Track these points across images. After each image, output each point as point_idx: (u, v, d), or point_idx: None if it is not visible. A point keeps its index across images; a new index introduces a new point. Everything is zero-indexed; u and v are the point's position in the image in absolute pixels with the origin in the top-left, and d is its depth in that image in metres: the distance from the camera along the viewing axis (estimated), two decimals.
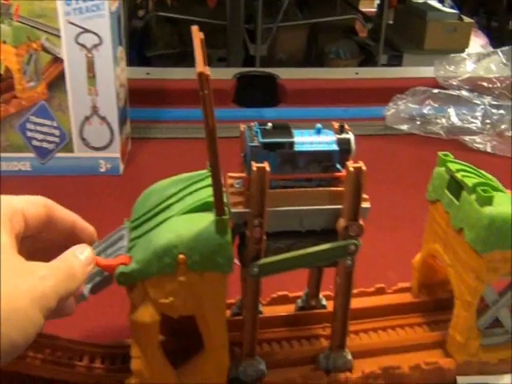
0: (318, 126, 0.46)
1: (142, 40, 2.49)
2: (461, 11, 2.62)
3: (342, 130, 0.46)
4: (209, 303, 0.43)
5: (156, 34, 2.50)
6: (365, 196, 0.45)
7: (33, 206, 0.39)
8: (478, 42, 2.46)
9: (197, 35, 0.44)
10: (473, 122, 0.94)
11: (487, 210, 0.46)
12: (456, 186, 0.50)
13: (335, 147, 0.45)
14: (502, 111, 0.94)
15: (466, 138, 0.93)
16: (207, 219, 0.43)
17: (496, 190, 0.48)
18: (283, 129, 0.45)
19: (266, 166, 0.42)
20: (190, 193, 0.47)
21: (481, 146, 0.92)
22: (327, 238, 0.45)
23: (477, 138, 0.93)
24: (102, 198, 0.76)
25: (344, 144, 0.45)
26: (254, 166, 0.42)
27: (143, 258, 0.42)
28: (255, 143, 0.44)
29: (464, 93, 0.97)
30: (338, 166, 0.45)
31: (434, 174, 0.53)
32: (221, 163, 0.42)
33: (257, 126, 0.45)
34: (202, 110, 0.38)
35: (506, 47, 1.12)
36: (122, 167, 0.83)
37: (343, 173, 0.45)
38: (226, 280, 0.44)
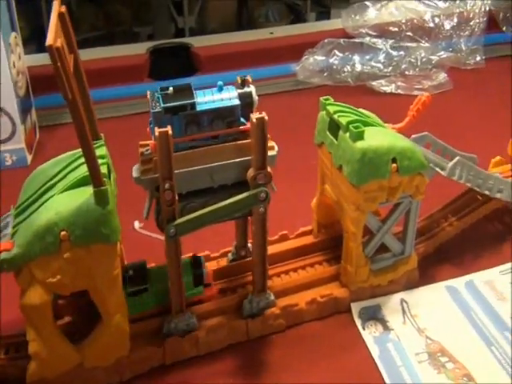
0: (220, 83, 0.46)
1: None
2: None
3: (243, 84, 0.46)
4: (100, 275, 0.44)
5: (78, 16, 2.39)
6: (270, 144, 0.46)
7: None
8: None
9: (56, 9, 0.43)
10: (376, 67, 0.95)
11: (359, 144, 0.48)
12: (335, 127, 0.51)
13: (236, 102, 0.45)
14: (401, 52, 0.96)
15: (373, 82, 0.96)
16: (86, 193, 0.43)
17: (369, 125, 0.50)
18: (184, 91, 0.45)
19: (169, 130, 0.43)
20: (73, 169, 0.47)
21: (387, 88, 0.94)
22: (239, 190, 0.47)
23: (383, 82, 0.95)
24: (10, 191, 0.73)
25: (245, 97, 0.46)
26: (157, 131, 0.42)
27: (24, 241, 0.42)
28: (157, 109, 0.44)
29: (367, 39, 0.98)
30: (243, 120, 0.46)
31: (318, 118, 0.54)
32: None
33: (158, 92, 0.45)
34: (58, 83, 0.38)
35: None
36: (29, 158, 0.82)
37: (248, 126, 0.46)
38: (115, 249, 0.44)
